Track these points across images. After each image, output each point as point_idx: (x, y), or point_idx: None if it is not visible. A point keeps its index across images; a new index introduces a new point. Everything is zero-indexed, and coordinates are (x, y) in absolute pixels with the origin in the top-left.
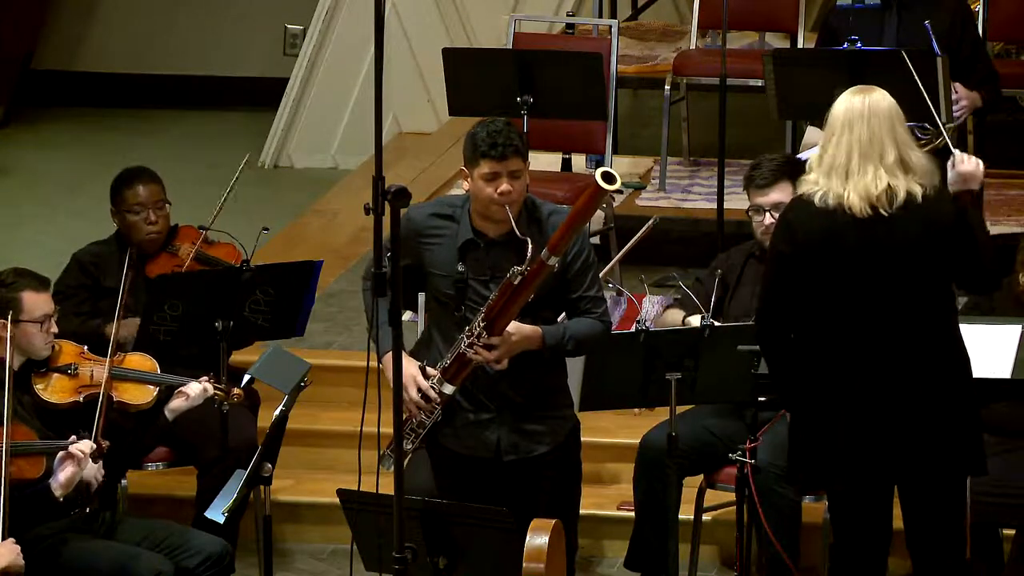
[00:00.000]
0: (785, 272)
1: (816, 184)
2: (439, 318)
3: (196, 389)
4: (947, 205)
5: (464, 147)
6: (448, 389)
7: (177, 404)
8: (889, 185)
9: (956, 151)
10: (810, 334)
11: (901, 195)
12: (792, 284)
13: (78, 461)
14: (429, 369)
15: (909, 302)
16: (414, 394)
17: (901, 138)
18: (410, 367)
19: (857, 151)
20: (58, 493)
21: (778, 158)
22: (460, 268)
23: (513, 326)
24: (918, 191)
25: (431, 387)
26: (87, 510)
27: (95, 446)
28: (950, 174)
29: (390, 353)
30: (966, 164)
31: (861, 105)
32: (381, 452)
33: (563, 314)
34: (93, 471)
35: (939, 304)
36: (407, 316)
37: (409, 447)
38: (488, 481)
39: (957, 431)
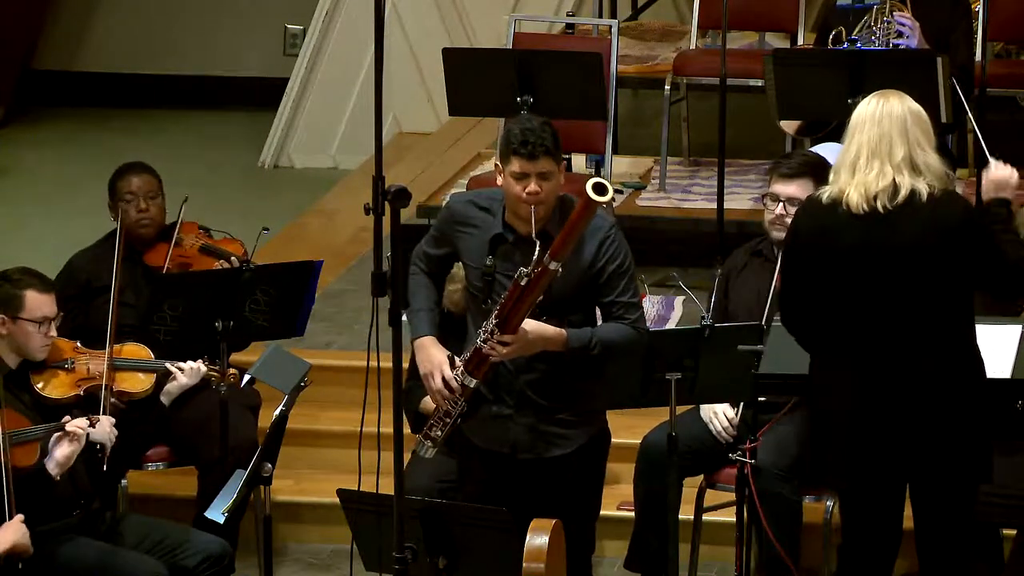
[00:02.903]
0: (793, 270)
1: (830, 183)
2: (472, 309)
3: (190, 367)
4: (955, 207)
5: (499, 142)
6: (470, 382)
7: (172, 385)
8: (894, 182)
9: (991, 158)
10: (820, 331)
11: (903, 193)
12: (804, 278)
13: (75, 439)
14: (457, 359)
15: (913, 302)
16: (439, 383)
17: (913, 138)
18: (439, 355)
19: (867, 149)
20: (54, 472)
21: (810, 155)
22: (489, 261)
23: (533, 325)
24: (924, 190)
25: (455, 378)
26: (88, 511)
27: (88, 421)
28: (983, 181)
29: (421, 338)
30: (999, 170)
31: (875, 108)
32: (417, 438)
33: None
34: (107, 433)
35: (948, 306)
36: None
37: (439, 434)
38: (504, 477)
39: (964, 437)
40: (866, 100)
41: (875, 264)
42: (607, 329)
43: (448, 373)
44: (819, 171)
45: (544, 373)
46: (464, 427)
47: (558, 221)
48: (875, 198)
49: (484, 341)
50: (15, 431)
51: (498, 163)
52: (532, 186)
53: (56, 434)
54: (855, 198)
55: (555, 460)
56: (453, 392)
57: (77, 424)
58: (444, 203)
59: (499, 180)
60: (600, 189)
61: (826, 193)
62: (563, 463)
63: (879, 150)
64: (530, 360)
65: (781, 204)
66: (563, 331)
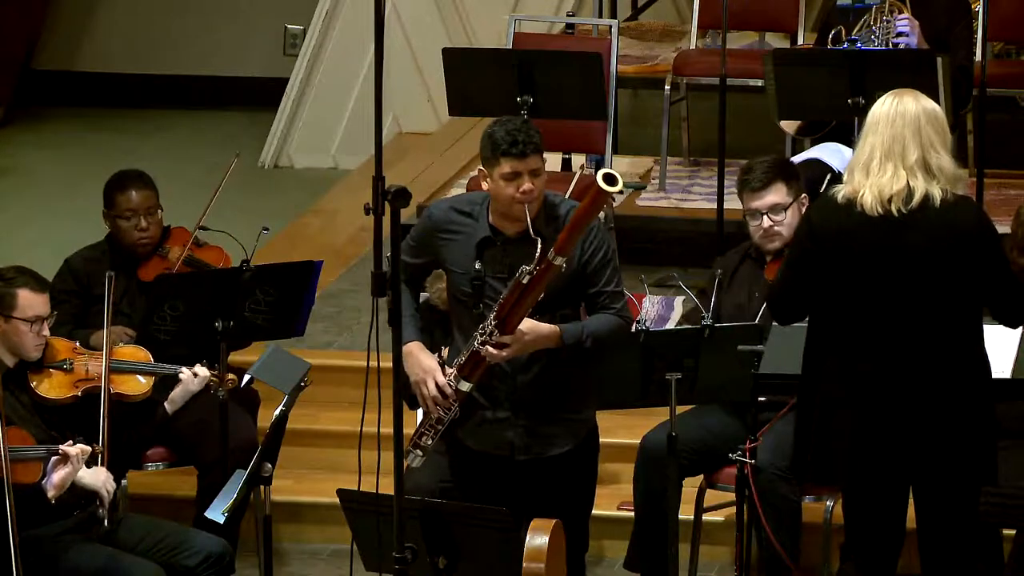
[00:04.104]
0: (803, 268)
1: (844, 183)
2: (459, 316)
3: (194, 374)
4: (968, 213)
5: (482, 147)
6: (465, 386)
7: (177, 393)
8: (908, 185)
9: None
10: (825, 330)
11: (917, 196)
12: (809, 280)
13: (72, 463)
14: (447, 367)
15: (924, 304)
16: (432, 389)
17: (927, 140)
18: (429, 362)
19: (880, 151)
20: (51, 495)
21: (769, 160)
22: (477, 266)
23: (529, 325)
24: (937, 194)
25: (448, 384)
26: (87, 512)
27: (90, 448)
28: None
29: (407, 344)
30: None
31: (889, 108)
32: (405, 448)
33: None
34: (103, 480)
35: (958, 309)
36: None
37: (428, 443)
38: (502, 479)
39: (970, 438)
40: (881, 99)
41: (889, 267)
42: (596, 321)
43: (441, 379)
44: (785, 170)
45: (540, 372)
46: (458, 432)
47: (544, 219)
48: (889, 201)
49: (482, 343)
50: (15, 448)
51: (482, 168)
52: (527, 184)
53: (54, 457)
54: (869, 200)
55: (552, 459)
56: (447, 398)
57: (75, 449)
58: (424, 212)
59: (485, 185)
60: (610, 179)
61: (840, 192)
62: (560, 462)
63: (892, 152)
64: (526, 360)
65: (764, 217)
66: (557, 328)
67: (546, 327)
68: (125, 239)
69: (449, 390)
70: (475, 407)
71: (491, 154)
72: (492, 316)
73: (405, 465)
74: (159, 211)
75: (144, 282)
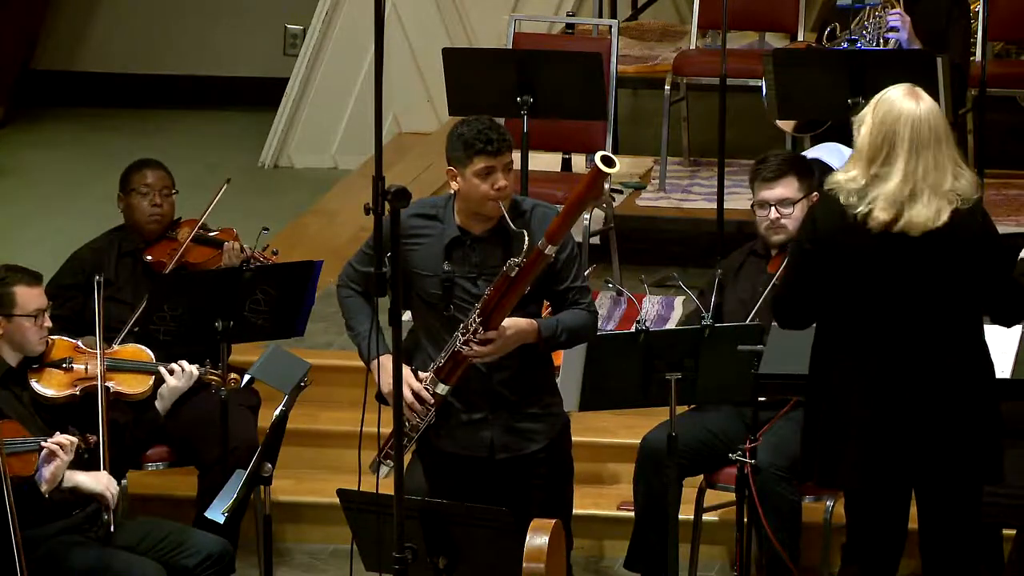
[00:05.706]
0: (806, 267)
1: (846, 183)
2: (426, 321)
3: (181, 369)
4: (972, 216)
5: (450, 147)
6: (441, 389)
7: (164, 389)
8: (937, 211)
9: None
10: (831, 331)
11: (944, 216)
12: (813, 279)
13: (60, 455)
14: (420, 372)
15: (929, 304)
16: (409, 396)
17: (954, 163)
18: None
19: (912, 179)
20: (44, 489)
21: (784, 153)
22: (446, 266)
23: (509, 321)
24: (956, 206)
25: (424, 388)
26: (88, 510)
27: (75, 440)
28: None
29: (378, 359)
30: None
31: (913, 124)
32: (371, 460)
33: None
34: (105, 483)
35: (962, 309)
36: (405, 316)
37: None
38: (481, 480)
39: (976, 438)
40: (889, 100)
41: (893, 266)
42: (569, 316)
43: (416, 385)
44: (799, 165)
45: (515, 369)
46: (432, 436)
47: (511, 217)
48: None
49: (465, 343)
50: (7, 440)
51: (452, 168)
52: (502, 180)
53: (44, 452)
54: (882, 218)
55: (530, 456)
56: (424, 403)
57: (59, 440)
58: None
59: (454, 185)
60: (608, 161)
61: (843, 194)
62: (538, 458)
63: (925, 181)
64: (501, 357)
65: (772, 208)
66: (534, 322)
67: (524, 322)
68: (138, 216)
69: (426, 395)
70: (449, 410)
71: (463, 153)
72: (476, 313)
73: (374, 474)
74: (173, 194)
75: (149, 265)
